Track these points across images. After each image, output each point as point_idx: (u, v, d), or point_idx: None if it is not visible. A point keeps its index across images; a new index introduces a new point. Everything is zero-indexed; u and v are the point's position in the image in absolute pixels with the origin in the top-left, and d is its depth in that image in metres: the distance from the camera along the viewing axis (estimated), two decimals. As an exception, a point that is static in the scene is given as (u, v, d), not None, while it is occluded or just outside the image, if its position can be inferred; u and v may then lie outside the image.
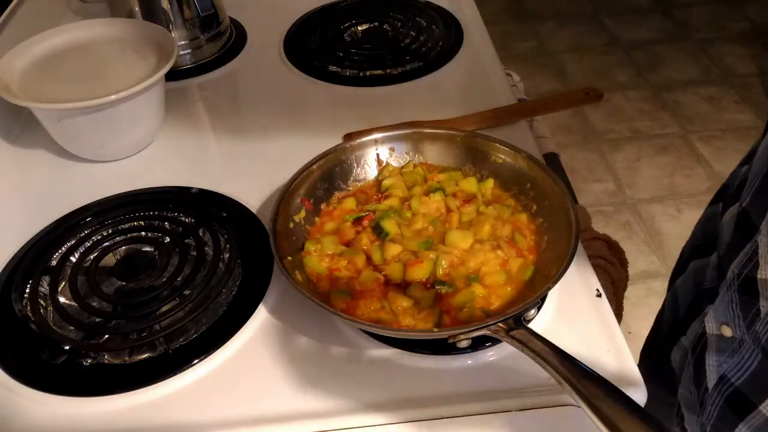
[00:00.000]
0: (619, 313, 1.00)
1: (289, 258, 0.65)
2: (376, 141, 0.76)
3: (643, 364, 0.82)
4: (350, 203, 0.73)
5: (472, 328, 0.56)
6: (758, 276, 0.55)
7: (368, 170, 0.76)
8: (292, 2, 0.80)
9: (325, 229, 0.71)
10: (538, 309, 0.65)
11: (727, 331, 0.61)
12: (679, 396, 0.73)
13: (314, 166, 0.73)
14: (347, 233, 0.69)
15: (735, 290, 0.59)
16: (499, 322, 0.56)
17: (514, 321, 0.56)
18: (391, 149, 0.77)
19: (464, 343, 0.58)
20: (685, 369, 0.71)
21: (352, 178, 0.76)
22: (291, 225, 0.69)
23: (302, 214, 0.71)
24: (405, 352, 0.62)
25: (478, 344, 0.61)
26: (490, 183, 0.73)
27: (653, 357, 0.85)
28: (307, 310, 0.65)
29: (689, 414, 0.71)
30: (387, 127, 0.81)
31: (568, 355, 0.52)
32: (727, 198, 0.69)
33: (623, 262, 1.01)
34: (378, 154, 0.77)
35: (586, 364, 0.51)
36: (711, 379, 0.64)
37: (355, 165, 0.76)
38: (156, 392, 0.60)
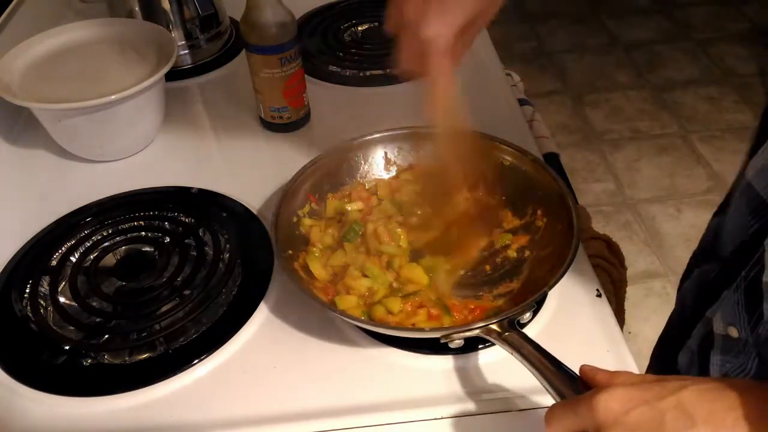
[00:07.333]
0: (620, 314, 1.00)
1: (290, 252, 0.65)
2: (383, 139, 0.76)
3: (651, 369, 0.81)
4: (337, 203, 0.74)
5: (464, 329, 0.56)
6: (763, 279, 0.56)
7: (375, 168, 0.76)
8: (292, 2, 0.80)
9: (326, 215, 0.72)
10: (535, 312, 0.64)
11: (734, 332, 0.61)
12: None
13: (320, 162, 0.73)
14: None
15: (742, 292, 0.59)
16: (492, 323, 0.56)
17: (508, 324, 0.56)
18: (399, 148, 0.76)
19: (456, 344, 0.57)
20: (689, 371, 0.70)
21: (359, 176, 0.76)
22: (294, 219, 0.69)
23: (306, 209, 0.71)
24: (405, 351, 0.62)
25: (478, 344, 0.61)
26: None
27: (662, 361, 0.85)
28: (308, 309, 0.65)
29: None
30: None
31: (559, 363, 0.51)
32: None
33: (623, 263, 1.01)
34: (386, 153, 0.76)
35: (576, 372, 0.49)
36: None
37: (362, 162, 0.76)
38: (156, 392, 0.60)
